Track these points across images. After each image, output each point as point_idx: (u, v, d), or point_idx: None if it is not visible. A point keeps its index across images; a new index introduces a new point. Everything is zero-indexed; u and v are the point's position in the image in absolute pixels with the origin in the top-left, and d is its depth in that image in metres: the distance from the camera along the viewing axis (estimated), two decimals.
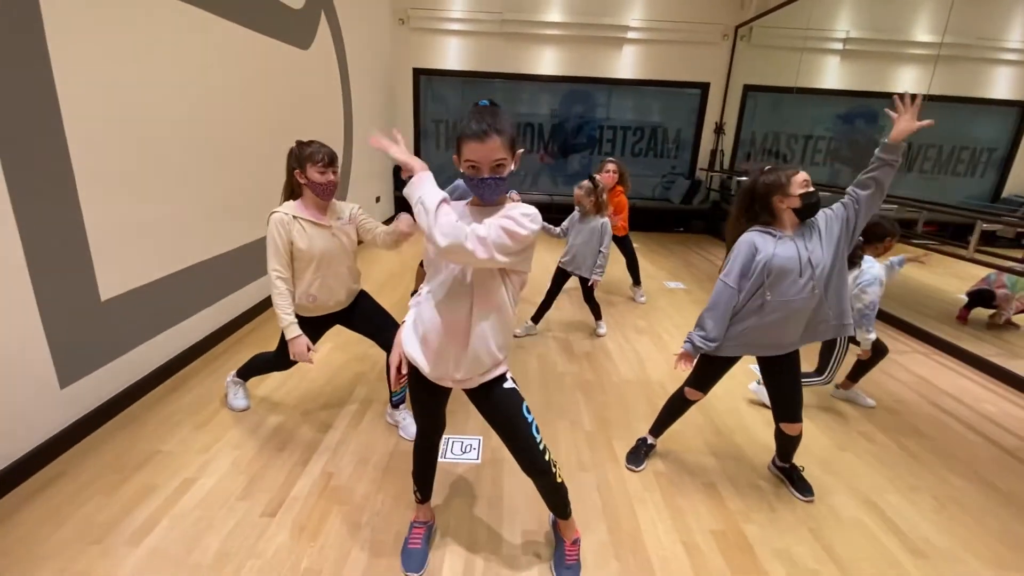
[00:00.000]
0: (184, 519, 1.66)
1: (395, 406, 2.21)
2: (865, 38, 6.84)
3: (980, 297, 3.79)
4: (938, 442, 2.34)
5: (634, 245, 4.18)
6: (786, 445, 1.93)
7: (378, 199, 6.36)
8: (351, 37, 5.04)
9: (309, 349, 1.90)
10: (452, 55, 6.99)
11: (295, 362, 2.04)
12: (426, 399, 1.43)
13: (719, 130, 7.26)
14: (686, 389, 1.93)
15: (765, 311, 1.66)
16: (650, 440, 2.07)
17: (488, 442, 2.15)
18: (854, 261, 2.34)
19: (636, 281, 4.21)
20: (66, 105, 1.86)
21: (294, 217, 1.89)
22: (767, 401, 2.58)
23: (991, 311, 3.80)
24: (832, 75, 6.94)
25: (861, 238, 2.36)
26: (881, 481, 2.04)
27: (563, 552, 1.53)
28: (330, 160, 1.90)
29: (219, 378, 2.52)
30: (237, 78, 3.01)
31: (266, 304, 3.43)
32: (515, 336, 3.28)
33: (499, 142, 1.12)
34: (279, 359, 2.08)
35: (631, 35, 6.85)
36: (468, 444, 2.13)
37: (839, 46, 6.85)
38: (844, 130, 7.28)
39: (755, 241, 1.65)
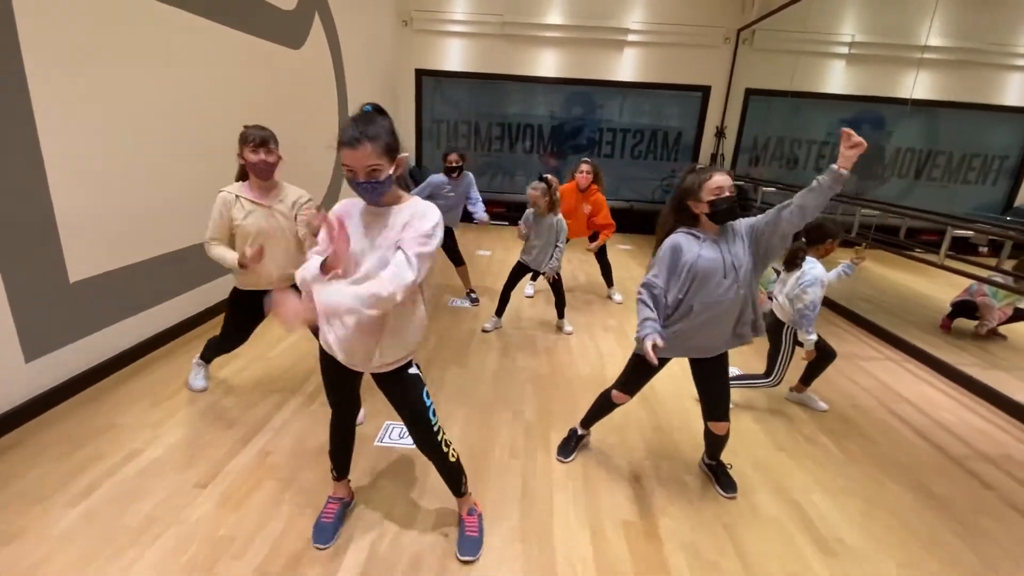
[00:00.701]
0: (122, 486, 1.77)
1: None
2: (872, 42, 6.72)
3: (963, 307, 3.72)
4: (882, 447, 2.33)
5: (626, 247, 4.22)
6: (714, 443, 1.95)
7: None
8: (349, 38, 5.18)
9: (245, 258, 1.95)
10: (454, 56, 7.10)
11: (246, 335, 2.16)
12: (337, 381, 1.51)
13: (720, 134, 7.22)
14: (613, 392, 1.96)
15: (693, 314, 1.68)
16: (580, 431, 2.11)
17: None
18: (795, 262, 2.34)
19: (609, 283, 4.25)
20: (39, 104, 2.00)
21: (236, 196, 2.00)
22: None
23: (975, 322, 3.73)
24: (837, 79, 6.84)
25: (804, 239, 2.37)
26: (810, 482, 2.04)
27: (463, 526, 1.61)
28: (261, 141, 1.99)
29: (185, 362, 2.64)
30: (218, 75, 3.15)
31: None
32: (483, 331, 3.35)
33: (371, 149, 1.17)
34: (225, 333, 2.22)
35: (632, 38, 6.86)
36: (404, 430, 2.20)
37: (844, 50, 6.75)
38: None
39: (680, 242, 1.66)
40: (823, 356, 2.51)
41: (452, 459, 1.50)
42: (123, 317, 2.57)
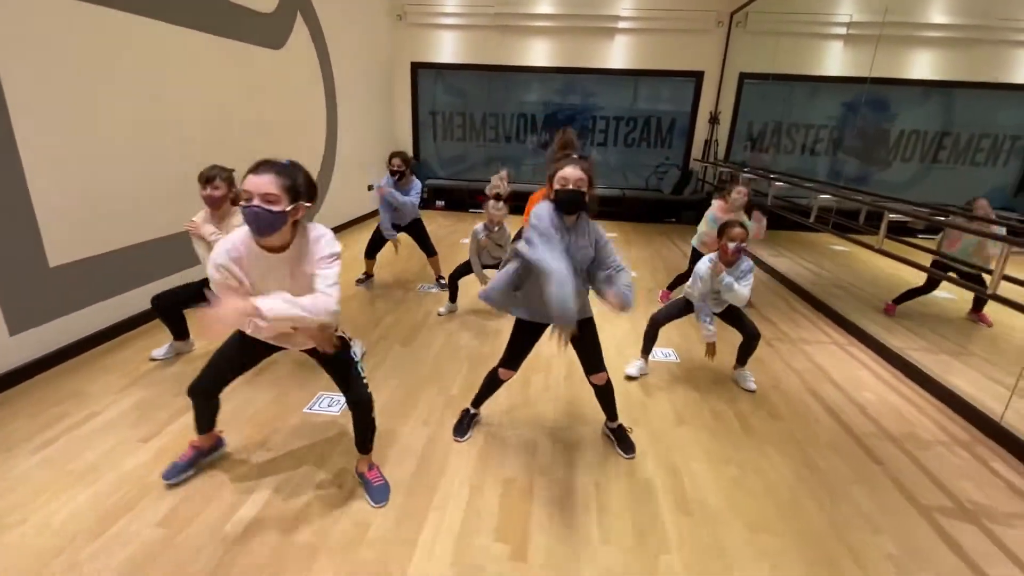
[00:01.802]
0: (77, 440, 2.06)
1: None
2: (871, 21, 6.51)
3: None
4: (786, 423, 2.43)
5: (613, 234, 4.28)
6: (603, 399, 2.12)
7: (371, 187, 6.76)
8: (338, 34, 5.42)
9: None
10: (448, 48, 7.26)
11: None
12: (246, 358, 1.75)
13: (714, 119, 7.16)
14: (500, 370, 2.13)
15: (533, 276, 1.77)
16: (472, 411, 2.28)
17: None
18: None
19: None
20: (16, 114, 2.29)
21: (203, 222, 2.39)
22: (640, 372, 2.75)
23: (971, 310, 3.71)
24: (835, 61, 6.66)
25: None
26: (698, 452, 2.18)
27: (368, 480, 1.83)
28: (206, 180, 2.37)
29: (155, 343, 2.94)
30: (196, 77, 3.43)
31: None
32: (438, 314, 3.56)
33: (272, 178, 1.34)
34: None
35: (622, 24, 6.86)
36: (336, 399, 2.44)
37: (842, 31, 6.57)
38: (849, 119, 6.98)
39: (539, 210, 1.75)
40: (748, 337, 2.63)
41: (374, 414, 1.77)
42: (100, 299, 2.89)
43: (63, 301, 2.67)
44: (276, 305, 1.34)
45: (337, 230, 5.81)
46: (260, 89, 4.21)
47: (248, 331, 1.61)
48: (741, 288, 2.46)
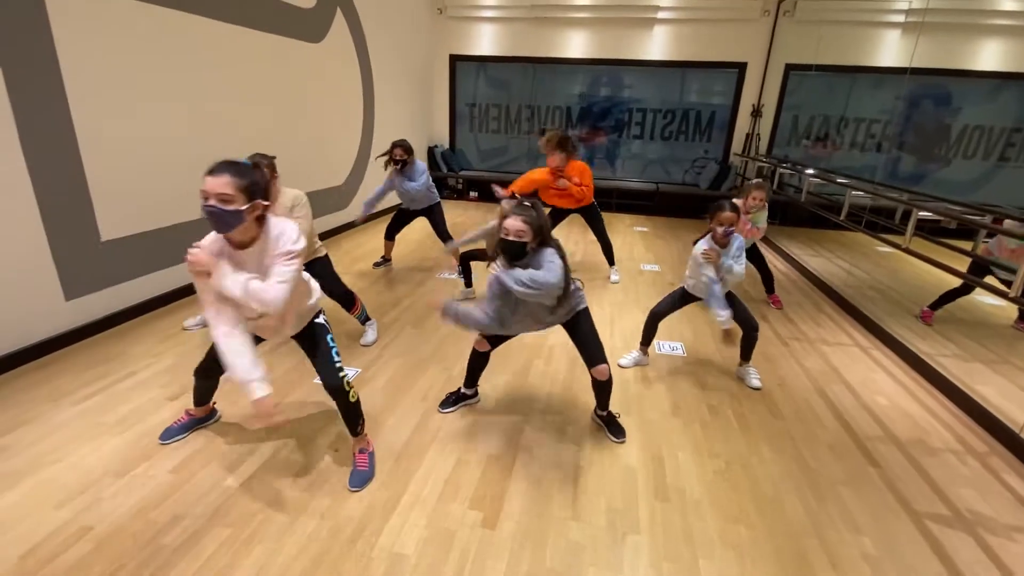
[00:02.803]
0: (113, 395, 2.31)
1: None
2: (934, 8, 6.09)
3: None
4: (785, 422, 2.39)
5: (643, 228, 4.20)
6: (600, 391, 2.15)
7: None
8: (377, 28, 5.61)
9: None
10: (486, 41, 7.35)
11: None
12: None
13: (756, 113, 6.91)
14: (475, 342, 2.22)
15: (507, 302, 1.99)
16: (464, 390, 2.37)
17: (362, 375, 2.61)
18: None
19: (609, 261, 4.30)
20: (75, 104, 2.56)
21: None
22: (636, 363, 2.78)
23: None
24: (890, 51, 6.27)
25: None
26: (685, 443, 2.18)
27: (354, 461, 1.91)
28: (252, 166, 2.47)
29: (195, 313, 3.20)
30: (238, 68, 3.67)
31: None
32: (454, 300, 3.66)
33: (228, 180, 1.40)
34: None
35: (662, 15, 6.72)
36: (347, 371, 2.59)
37: (900, 18, 6.17)
38: (904, 112, 6.56)
39: (489, 278, 1.98)
40: (747, 329, 2.59)
41: (352, 399, 1.82)
42: (146, 272, 3.17)
43: (113, 272, 2.95)
44: (227, 279, 1.48)
45: (369, 219, 6.03)
46: (299, 81, 4.44)
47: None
48: (738, 267, 2.45)
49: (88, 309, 2.83)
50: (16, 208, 2.42)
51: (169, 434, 2.03)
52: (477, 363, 2.29)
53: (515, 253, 1.84)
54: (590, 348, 2.06)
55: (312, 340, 1.83)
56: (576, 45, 7.11)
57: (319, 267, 2.75)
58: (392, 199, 4.31)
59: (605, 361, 2.06)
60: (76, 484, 1.77)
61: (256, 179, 1.48)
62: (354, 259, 4.59)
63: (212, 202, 1.41)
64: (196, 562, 1.49)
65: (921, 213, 2.80)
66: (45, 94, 2.48)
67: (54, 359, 2.59)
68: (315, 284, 1.87)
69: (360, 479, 1.86)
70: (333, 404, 1.84)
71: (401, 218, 4.07)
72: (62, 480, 1.78)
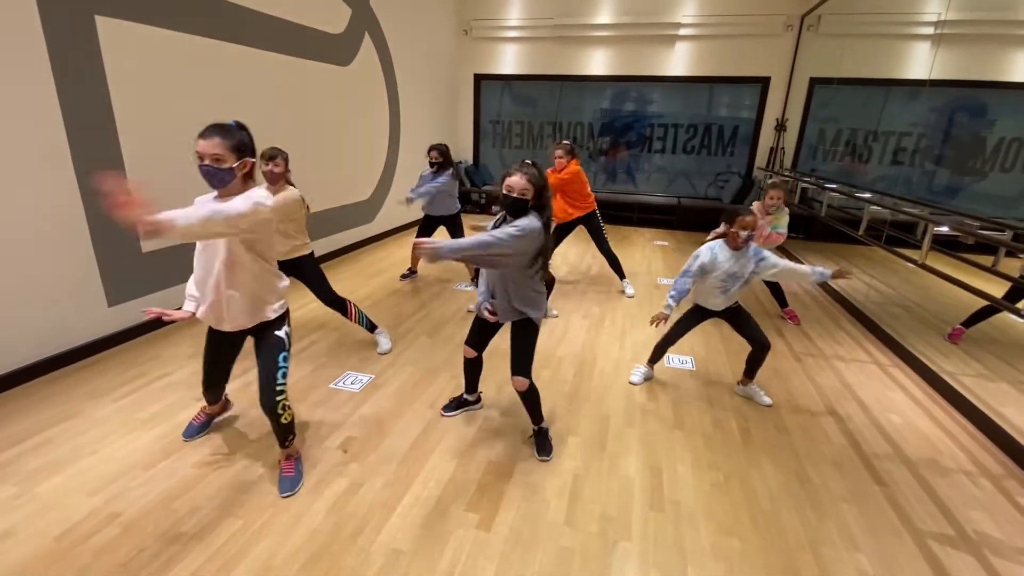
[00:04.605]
0: (148, 394, 2.49)
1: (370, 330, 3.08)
2: (966, 19, 5.95)
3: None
4: (791, 437, 2.37)
5: (663, 242, 4.26)
6: (523, 402, 2.14)
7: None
8: (403, 50, 5.86)
9: None
10: (509, 60, 7.55)
11: None
12: (209, 351, 2.00)
13: (780, 127, 6.84)
14: (464, 348, 2.29)
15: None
16: (465, 396, 2.45)
17: (374, 381, 2.72)
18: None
19: (619, 275, 4.36)
20: (123, 129, 2.82)
21: None
22: (645, 378, 2.81)
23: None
24: (922, 63, 6.13)
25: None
26: (685, 456, 2.20)
27: (280, 469, 1.93)
28: (269, 157, 2.67)
29: None
30: (273, 91, 3.92)
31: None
32: (468, 311, 3.77)
33: (218, 141, 1.53)
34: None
35: (683, 32, 6.77)
36: (359, 378, 2.72)
37: (930, 30, 6.04)
38: (939, 126, 6.38)
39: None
40: (756, 347, 2.58)
41: (285, 421, 1.83)
42: (182, 281, 3.38)
43: (152, 281, 3.18)
44: (199, 207, 1.55)
45: (389, 234, 6.24)
46: (329, 102, 4.68)
47: (198, 315, 1.84)
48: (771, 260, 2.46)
49: (128, 315, 3.06)
50: (68, 224, 2.66)
51: (190, 431, 2.18)
52: (470, 369, 2.37)
53: (517, 209, 1.86)
54: (517, 357, 2.05)
55: (263, 348, 1.81)
56: (598, 62, 7.23)
57: (306, 265, 2.89)
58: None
59: (523, 375, 2.03)
60: (109, 474, 1.93)
61: (243, 139, 1.60)
62: (378, 270, 4.77)
63: (207, 162, 1.55)
64: (209, 549, 1.61)
65: (938, 228, 2.75)
66: (97, 120, 2.73)
67: (97, 360, 2.81)
68: (283, 284, 1.85)
69: (289, 484, 1.88)
70: (339, 408, 1.94)
71: (426, 227, 4.25)
72: (97, 470, 1.95)
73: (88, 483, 1.88)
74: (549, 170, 4.00)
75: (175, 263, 3.31)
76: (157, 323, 3.22)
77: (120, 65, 2.80)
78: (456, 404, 2.45)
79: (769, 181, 3.27)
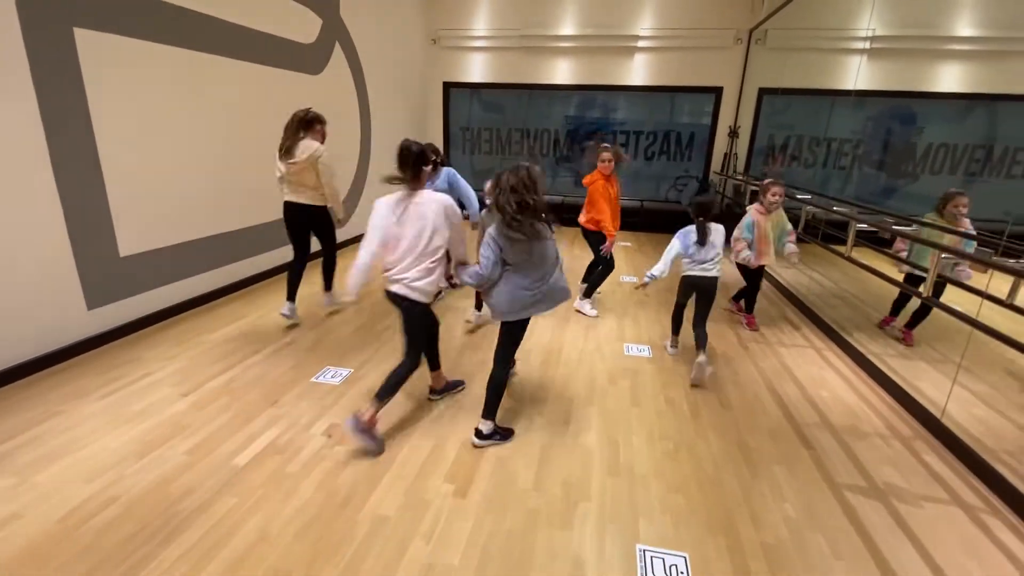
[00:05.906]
0: (132, 392, 2.59)
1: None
2: (895, 35, 6.51)
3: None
4: (734, 412, 2.65)
5: (628, 244, 4.41)
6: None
7: None
8: (374, 59, 6.01)
9: None
10: (477, 69, 7.78)
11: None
12: None
13: (733, 133, 7.29)
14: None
15: None
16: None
17: (354, 374, 2.88)
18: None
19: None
20: (100, 136, 2.90)
21: None
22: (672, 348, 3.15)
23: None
24: (858, 75, 6.67)
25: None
26: (640, 429, 2.45)
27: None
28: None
29: (209, 321, 3.49)
30: (244, 99, 4.03)
31: (261, 276, 4.46)
32: (466, 322, 3.85)
33: None
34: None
35: (642, 44, 7.15)
36: (339, 372, 2.88)
37: (865, 44, 6.59)
38: (874, 133, 6.94)
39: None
40: (699, 318, 3.00)
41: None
42: (162, 284, 3.47)
43: (130, 284, 3.25)
44: None
45: (358, 240, 6.35)
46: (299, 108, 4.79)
47: None
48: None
49: (108, 318, 3.12)
50: (47, 228, 2.74)
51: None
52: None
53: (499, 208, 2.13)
54: (500, 354, 2.30)
55: None
56: (563, 72, 7.54)
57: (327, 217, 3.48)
58: None
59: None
60: (104, 464, 2.04)
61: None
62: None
63: None
64: (208, 523, 1.76)
65: (859, 225, 3.11)
66: (75, 127, 2.82)
67: (77, 362, 2.87)
68: None
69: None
70: (320, 399, 2.10)
71: None
72: (91, 461, 2.05)
73: (84, 472, 1.99)
74: (596, 174, 3.85)
75: (152, 268, 3.39)
76: (136, 325, 3.29)
77: (97, 74, 2.89)
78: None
79: (768, 179, 3.56)
